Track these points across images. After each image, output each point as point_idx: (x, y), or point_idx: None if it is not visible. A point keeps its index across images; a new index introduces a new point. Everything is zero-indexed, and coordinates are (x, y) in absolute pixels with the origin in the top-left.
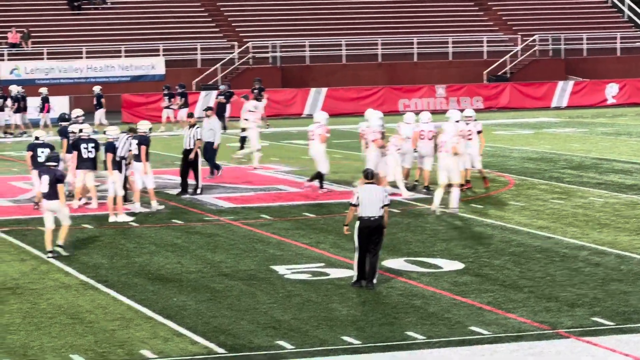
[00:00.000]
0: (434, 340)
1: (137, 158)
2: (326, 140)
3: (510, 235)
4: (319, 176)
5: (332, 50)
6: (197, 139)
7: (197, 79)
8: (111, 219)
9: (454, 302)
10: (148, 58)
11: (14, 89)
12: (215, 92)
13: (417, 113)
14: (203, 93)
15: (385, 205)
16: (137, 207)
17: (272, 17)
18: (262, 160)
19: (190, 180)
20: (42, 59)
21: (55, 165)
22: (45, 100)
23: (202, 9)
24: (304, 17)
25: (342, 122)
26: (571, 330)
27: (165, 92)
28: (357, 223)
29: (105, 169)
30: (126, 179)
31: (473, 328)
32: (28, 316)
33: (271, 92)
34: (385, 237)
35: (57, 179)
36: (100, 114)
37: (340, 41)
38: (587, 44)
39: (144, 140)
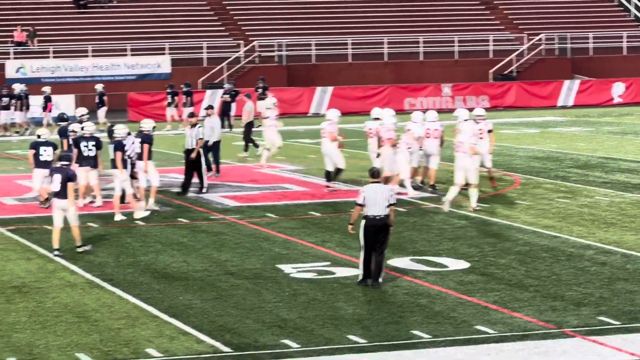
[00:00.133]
0: (440, 339)
1: (140, 157)
2: (335, 139)
3: (516, 234)
4: (337, 172)
5: (338, 49)
6: (199, 139)
7: (202, 78)
8: (117, 217)
9: (459, 301)
10: (154, 57)
11: (17, 87)
12: (221, 91)
13: (423, 112)
14: (209, 92)
15: (391, 205)
16: (150, 204)
17: (278, 15)
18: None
19: (195, 179)
20: (48, 57)
21: (67, 165)
22: (47, 99)
23: (208, 8)
24: (310, 15)
25: (348, 120)
26: (577, 329)
27: (169, 90)
28: (363, 222)
29: (113, 167)
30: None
31: (479, 327)
32: (34, 315)
33: (277, 91)
34: (391, 236)
35: (69, 178)
36: (102, 113)
37: (346, 40)
38: (594, 43)
39: (147, 139)
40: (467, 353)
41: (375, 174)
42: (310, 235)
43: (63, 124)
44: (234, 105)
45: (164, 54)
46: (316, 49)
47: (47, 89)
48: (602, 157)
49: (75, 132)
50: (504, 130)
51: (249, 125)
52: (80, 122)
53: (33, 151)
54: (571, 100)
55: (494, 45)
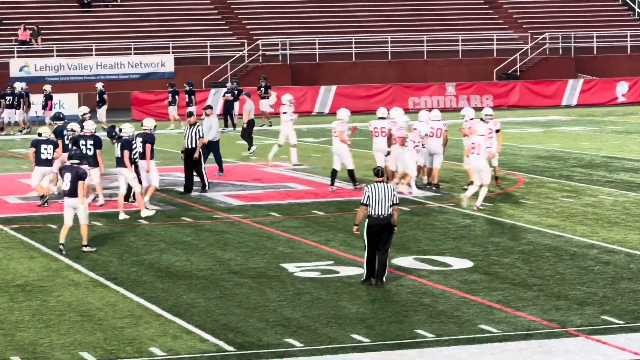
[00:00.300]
0: (444, 338)
1: (142, 156)
2: (344, 140)
3: (519, 234)
4: (335, 175)
5: (342, 47)
6: (200, 138)
7: (206, 77)
8: (121, 216)
9: (463, 300)
10: (157, 55)
11: (18, 86)
12: (223, 90)
13: (428, 111)
14: (212, 90)
15: (394, 204)
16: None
17: (281, 14)
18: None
19: (196, 178)
20: (52, 56)
21: (78, 163)
22: (48, 97)
23: (212, 7)
24: (313, 14)
25: (352, 119)
26: (581, 328)
27: (170, 89)
28: (367, 221)
29: (118, 165)
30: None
31: (482, 326)
32: (37, 313)
33: (281, 89)
34: (394, 236)
35: (80, 176)
36: (102, 111)
37: (350, 39)
38: (597, 42)
39: (149, 138)
40: (470, 352)
41: (379, 173)
42: (314, 234)
43: (59, 123)
44: (236, 104)
45: (167, 52)
46: (320, 48)
47: (47, 87)
48: (606, 156)
49: (75, 131)
50: (508, 130)
51: (250, 124)
52: (82, 120)
53: (33, 149)
54: (575, 99)
55: (497, 44)
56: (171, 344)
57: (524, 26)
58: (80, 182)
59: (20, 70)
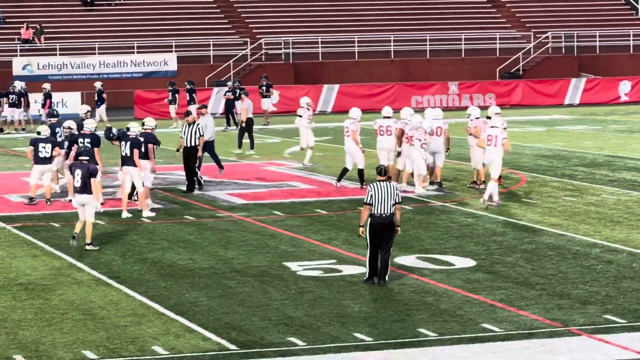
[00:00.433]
0: (446, 337)
1: (143, 156)
2: (357, 140)
3: (522, 233)
4: (345, 173)
5: (344, 46)
6: (200, 136)
7: (209, 76)
8: (124, 215)
9: (466, 299)
10: (160, 54)
11: (18, 85)
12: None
13: (422, 110)
14: (215, 89)
15: (397, 203)
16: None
17: (284, 13)
18: (274, 157)
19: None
20: (55, 54)
21: (87, 160)
22: (48, 96)
23: (215, 6)
24: (316, 13)
25: None
26: (583, 327)
27: (170, 88)
28: (369, 220)
29: (124, 164)
30: None
31: (485, 325)
32: (40, 312)
33: (283, 88)
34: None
35: (90, 173)
36: (101, 110)
37: (353, 38)
38: (600, 41)
39: (150, 138)
40: (473, 351)
41: (382, 171)
42: (316, 233)
43: (53, 120)
44: (238, 103)
45: (170, 51)
46: (323, 47)
47: (47, 86)
48: (608, 155)
49: (72, 128)
50: (511, 129)
51: (248, 123)
52: (82, 119)
53: (32, 148)
54: (578, 98)
55: (500, 43)
56: (174, 342)
57: (527, 25)
58: (92, 180)
59: (23, 68)
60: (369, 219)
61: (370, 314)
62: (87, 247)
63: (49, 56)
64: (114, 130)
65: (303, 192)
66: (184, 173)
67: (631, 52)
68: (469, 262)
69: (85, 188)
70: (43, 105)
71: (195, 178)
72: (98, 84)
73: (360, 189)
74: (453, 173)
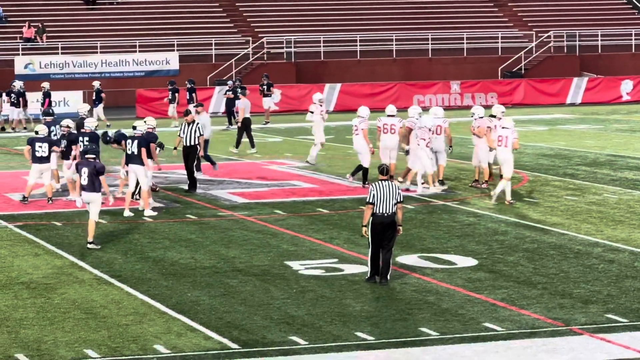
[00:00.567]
0: (448, 336)
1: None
2: (367, 140)
3: (524, 232)
4: (360, 169)
5: (346, 45)
6: (200, 136)
7: (211, 75)
8: (126, 213)
9: (467, 299)
10: (162, 53)
11: (17, 84)
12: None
13: (427, 109)
14: (217, 88)
15: (398, 202)
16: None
17: (286, 12)
18: (275, 156)
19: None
20: (57, 53)
21: (94, 158)
22: (46, 95)
23: (217, 4)
24: (318, 12)
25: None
26: (585, 327)
27: (170, 87)
28: (371, 219)
29: (130, 163)
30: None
31: (487, 324)
32: (42, 311)
33: (285, 87)
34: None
35: (98, 171)
36: (99, 110)
37: (355, 37)
38: (602, 40)
39: (151, 138)
40: (475, 350)
41: (383, 171)
42: (318, 232)
43: (49, 118)
44: (238, 102)
45: (172, 50)
46: (325, 46)
47: (46, 85)
48: (610, 154)
49: (70, 127)
50: None
51: (244, 123)
52: (82, 118)
53: (29, 147)
54: (579, 97)
55: (502, 42)
56: (175, 341)
57: (529, 24)
58: (101, 177)
59: (25, 67)
60: (372, 218)
61: (372, 313)
62: (89, 246)
63: (51, 55)
64: (110, 134)
65: (304, 191)
66: (183, 172)
67: (633, 51)
68: (471, 262)
69: (91, 186)
70: (42, 104)
71: (191, 177)
72: (96, 83)
73: (362, 188)
74: (455, 172)
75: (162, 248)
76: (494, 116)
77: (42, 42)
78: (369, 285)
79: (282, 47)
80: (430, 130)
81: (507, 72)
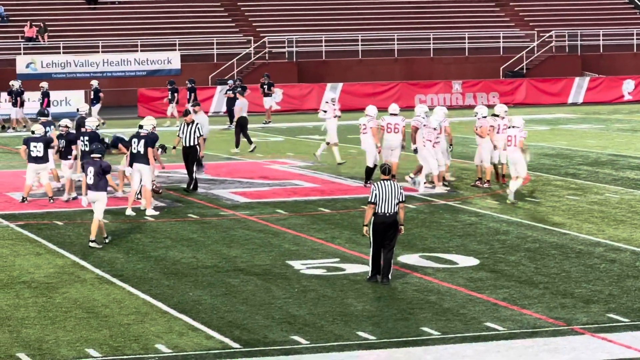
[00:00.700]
0: (449, 336)
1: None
2: (377, 133)
3: (525, 231)
4: (367, 171)
5: (348, 45)
6: (199, 136)
7: (213, 74)
8: (128, 212)
9: (469, 298)
10: (164, 53)
11: (16, 84)
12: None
13: (431, 108)
14: (219, 88)
15: (400, 202)
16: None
17: (288, 12)
18: (277, 156)
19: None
20: (59, 53)
21: (99, 157)
22: (45, 94)
23: (219, 4)
24: (320, 12)
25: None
26: (586, 326)
27: (170, 87)
28: (373, 219)
29: (135, 162)
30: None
31: (488, 324)
32: (43, 310)
33: (287, 87)
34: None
35: (104, 170)
36: (95, 109)
37: (357, 36)
38: (604, 40)
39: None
40: (476, 350)
41: (386, 170)
42: (319, 232)
43: (44, 119)
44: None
45: (174, 50)
46: (326, 45)
47: (44, 85)
48: (612, 154)
49: (68, 127)
50: None
51: (240, 122)
52: (81, 117)
53: (24, 147)
54: (581, 97)
55: (504, 42)
56: (177, 340)
57: (531, 24)
58: (108, 176)
59: (27, 66)
60: (373, 217)
61: (373, 312)
62: (91, 245)
63: (53, 54)
64: (107, 140)
65: (306, 190)
66: (183, 171)
67: (635, 51)
68: (472, 261)
69: (97, 185)
70: (41, 104)
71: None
72: (95, 83)
73: (363, 187)
74: (457, 172)
75: (163, 247)
76: (497, 115)
77: (44, 41)
78: (370, 285)
79: (284, 47)
80: (435, 129)
81: (509, 72)
